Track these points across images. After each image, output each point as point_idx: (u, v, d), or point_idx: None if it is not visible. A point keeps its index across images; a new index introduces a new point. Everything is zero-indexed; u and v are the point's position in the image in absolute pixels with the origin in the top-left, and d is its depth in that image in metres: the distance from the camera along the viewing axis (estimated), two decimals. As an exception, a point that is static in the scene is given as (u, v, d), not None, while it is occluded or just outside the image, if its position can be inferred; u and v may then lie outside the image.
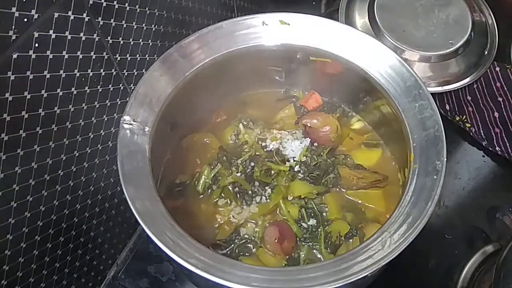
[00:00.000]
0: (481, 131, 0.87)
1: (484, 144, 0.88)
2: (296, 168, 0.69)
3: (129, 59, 0.67)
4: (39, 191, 0.58)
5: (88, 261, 0.75)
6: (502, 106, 0.86)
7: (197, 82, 0.66)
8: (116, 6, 0.60)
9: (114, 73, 0.65)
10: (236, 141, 0.74)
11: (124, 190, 0.53)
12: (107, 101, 0.66)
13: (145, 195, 0.54)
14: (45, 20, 0.50)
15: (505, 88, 0.86)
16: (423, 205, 0.53)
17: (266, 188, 0.67)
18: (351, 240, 0.65)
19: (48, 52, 0.52)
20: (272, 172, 0.69)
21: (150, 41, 0.70)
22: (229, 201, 0.68)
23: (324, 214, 0.67)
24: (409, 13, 0.84)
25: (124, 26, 0.63)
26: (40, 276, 0.64)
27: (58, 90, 0.55)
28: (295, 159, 0.70)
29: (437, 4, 0.85)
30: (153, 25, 0.69)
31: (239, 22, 0.67)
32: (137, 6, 0.64)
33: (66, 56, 0.55)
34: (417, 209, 0.53)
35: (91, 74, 0.60)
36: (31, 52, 0.49)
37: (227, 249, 0.64)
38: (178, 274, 0.80)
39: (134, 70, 0.69)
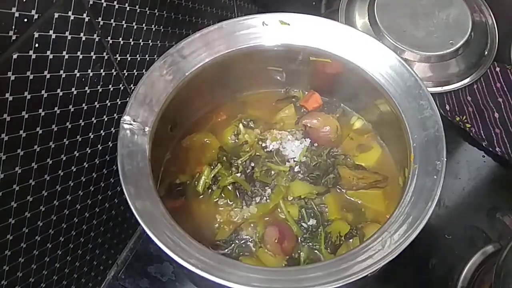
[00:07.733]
0: (481, 132, 0.87)
1: (484, 145, 0.88)
2: (296, 169, 0.69)
3: (129, 59, 0.67)
4: (39, 191, 0.58)
5: (88, 261, 0.75)
6: (502, 106, 0.86)
7: (197, 82, 0.66)
8: (116, 6, 0.60)
9: (114, 73, 0.65)
10: (236, 141, 0.74)
11: (124, 190, 0.53)
12: (107, 101, 0.66)
13: (145, 195, 0.54)
14: (45, 20, 0.50)
15: (505, 89, 0.85)
16: (423, 205, 0.53)
17: (266, 188, 0.67)
18: (351, 240, 0.65)
19: (48, 52, 0.52)
20: (272, 172, 0.69)
21: (150, 41, 0.70)
22: (229, 201, 0.68)
23: (324, 214, 0.67)
24: (409, 13, 0.84)
25: (124, 26, 0.63)
26: (40, 276, 0.64)
27: (58, 90, 0.55)
28: (295, 159, 0.70)
29: (437, 5, 0.85)
30: (153, 25, 0.69)
31: (239, 22, 0.67)
32: (137, 6, 0.64)
33: (66, 56, 0.55)
34: (417, 209, 0.53)
35: (91, 74, 0.60)
36: (31, 52, 0.49)
37: (227, 249, 0.64)
38: (178, 274, 0.80)
39: (134, 70, 0.69)
